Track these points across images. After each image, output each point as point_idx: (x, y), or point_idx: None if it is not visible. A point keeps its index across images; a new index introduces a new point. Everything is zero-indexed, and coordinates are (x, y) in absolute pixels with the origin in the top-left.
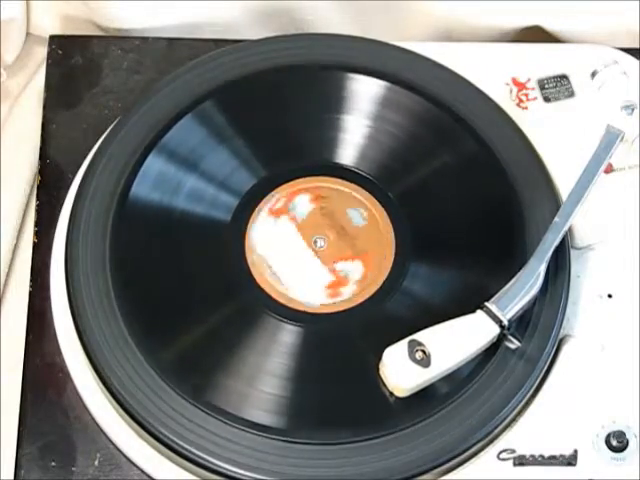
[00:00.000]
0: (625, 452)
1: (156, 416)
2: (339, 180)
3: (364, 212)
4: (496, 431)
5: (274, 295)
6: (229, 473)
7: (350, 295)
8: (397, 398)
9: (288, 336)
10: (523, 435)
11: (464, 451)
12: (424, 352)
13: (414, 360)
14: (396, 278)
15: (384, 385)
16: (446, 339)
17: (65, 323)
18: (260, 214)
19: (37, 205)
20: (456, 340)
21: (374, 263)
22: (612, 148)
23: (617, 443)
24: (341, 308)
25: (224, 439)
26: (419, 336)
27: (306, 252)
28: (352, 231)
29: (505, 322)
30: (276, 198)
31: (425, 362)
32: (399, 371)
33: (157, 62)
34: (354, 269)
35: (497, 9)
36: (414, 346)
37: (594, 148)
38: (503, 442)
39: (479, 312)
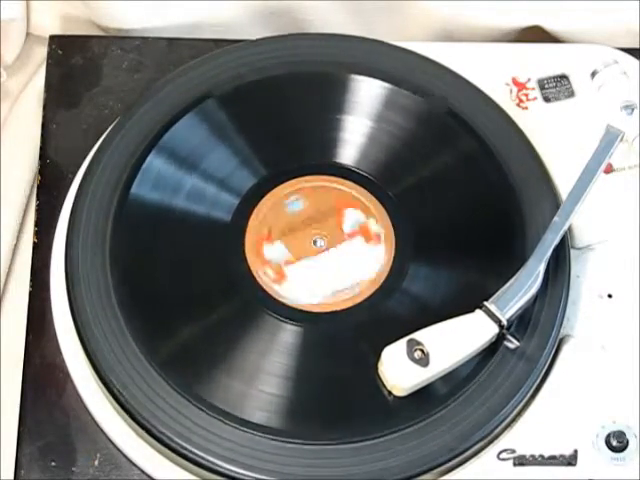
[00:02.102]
0: (625, 452)
1: (156, 416)
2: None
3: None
4: (496, 431)
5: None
6: (229, 473)
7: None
8: (397, 398)
9: (288, 336)
10: (523, 435)
11: (464, 451)
12: (423, 351)
13: (413, 359)
14: (396, 278)
15: (383, 384)
16: (445, 338)
17: (65, 323)
18: None
19: (37, 205)
20: (455, 339)
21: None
22: (612, 148)
23: (617, 443)
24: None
25: (224, 439)
26: (418, 335)
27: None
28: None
29: (504, 322)
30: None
31: (424, 361)
32: (398, 370)
33: (157, 62)
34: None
35: (497, 9)
36: (413, 345)
37: (594, 148)
38: (503, 442)
39: (478, 312)
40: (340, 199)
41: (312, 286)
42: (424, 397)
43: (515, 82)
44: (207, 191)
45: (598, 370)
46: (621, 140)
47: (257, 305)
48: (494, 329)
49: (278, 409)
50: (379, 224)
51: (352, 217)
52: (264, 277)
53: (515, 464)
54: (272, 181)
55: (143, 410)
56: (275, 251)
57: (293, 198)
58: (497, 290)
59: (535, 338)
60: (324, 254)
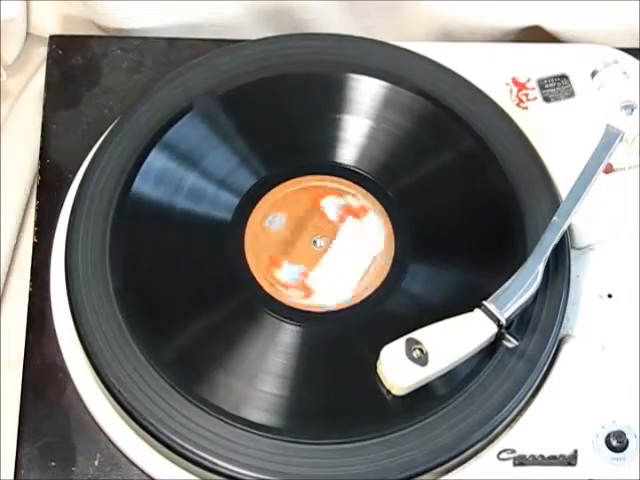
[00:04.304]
0: (625, 452)
1: (156, 416)
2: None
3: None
4: (496, 431)
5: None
6: (229, 473)
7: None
8: (397, 398)
9: (288, 336)
10: (523, 435)
11: (464, 451)
12: (422, 350)
13: (412, 358)
14: (396, 277)
15: (382, 383)
16: (444, 338)
17: (65, 323)
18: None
19: (37, 205)
20: (454, 339)
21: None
22: (612, 148)
23: (617, 443)
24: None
25: (224, 439)
26: (417, 334)
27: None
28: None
29: (503, 321)
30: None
31: (423, 360)
32: (396, 369)
33: (157, 62)
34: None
35: (497, 9)
36: (412, 344)
37: (594, 148)
38: (503, 442)
39: (477, 311)
40: (310, 196)
41: (339, 283)
42: (424, 397)
43: (515, 82)
44: (207, 191)
45: (598, 370)
46: (621, 140)
47: (257, 305)
48: (493, 328)
49: (278, 409)
50: (356, 197)
51: (330, 205)
52: (291, 299)
53: (515, 464)
54: (272, 181)
55: (143, 410)
56: (287, 272)
57: (270, 217)
58: (496, 289)
59: (535, 338)
60: (330, 249)
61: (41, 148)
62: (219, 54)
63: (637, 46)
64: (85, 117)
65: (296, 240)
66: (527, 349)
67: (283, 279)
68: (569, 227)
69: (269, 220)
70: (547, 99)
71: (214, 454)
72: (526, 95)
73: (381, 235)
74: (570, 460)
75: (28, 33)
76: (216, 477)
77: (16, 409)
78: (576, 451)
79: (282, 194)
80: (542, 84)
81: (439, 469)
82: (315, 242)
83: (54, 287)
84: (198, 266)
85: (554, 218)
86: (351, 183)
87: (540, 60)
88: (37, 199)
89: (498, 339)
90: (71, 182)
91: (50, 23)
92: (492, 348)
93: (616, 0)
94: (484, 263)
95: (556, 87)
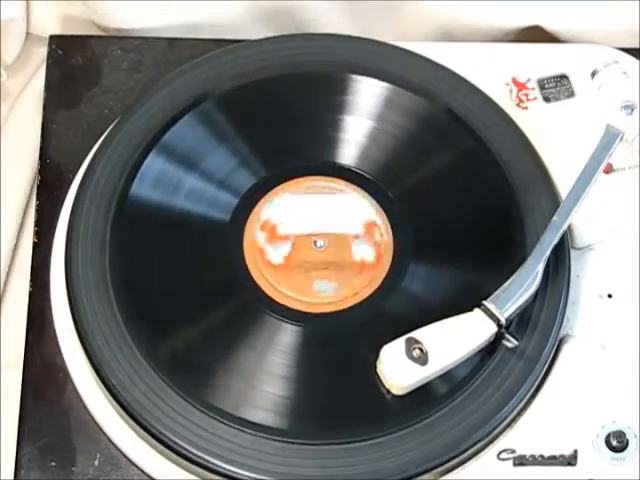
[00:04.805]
0: (625, 452)
1: (156, 416)
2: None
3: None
4: (496, 431)
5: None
6: (229, 473)
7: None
8: (397, 398)
9: (287, 336)
10: (523, 435)
11: (464, 451)
12: (421, 350)
13: (411, 358)
14: (395, 277)
15: (381, 383)
16: (443, 337)
17: (65, 323)
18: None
19: (37, 205)
20: (453, 338)
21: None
22: (611, 148)
23: (617, 443)
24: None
25: (224, 439)
26: (416, 334)
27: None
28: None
29: (503, 321)
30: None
31: (422, 360)
32: (396, 369)
33: (157, 62)
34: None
35: (497, 9)
36: (411, 344)
37: (594, 148)
38: (503, 442)
39: (477, 310)
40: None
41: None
42: (424, 397)
43: (515, 82)
44: (206, 191)
45: (598, 370)
46: (621, 140)
47: (257, 305)
48: (493, 328)
49: (278, 409)
50: (324, 181)
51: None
52: (293, 300)
53: (515, 464)
54: (272, 181)
55: (143, 410)
56: (322, 285)
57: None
58: (496, 289)
59: (535, 338)
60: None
61: (41, 148)
62: (219, 54)
63: (637, 46)
64: (85, 117)
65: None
66: (527, 349)
67: (317, 290)
68: (569, 227)
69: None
70: (547, 99)
71: (214, 454)
72: (526, 95)
73: (366, 206)
74: (570, 460)
75: (28, 33)
76: (216, 477)
77: (16, 409)
78: (576, 451)
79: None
80: (542, 84)
81: (439, 469)
82: (315, 242)
83: (54, 287)
84: (198, 266)
85: (554, 218)
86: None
87: (540, 60)
88: (37, 199)
89: (498, 339)
90: (71, 182)
91: (50, 23)
92: (492, 348)
93: (616, 0)
94: (484, 263)
95: (556, 87)
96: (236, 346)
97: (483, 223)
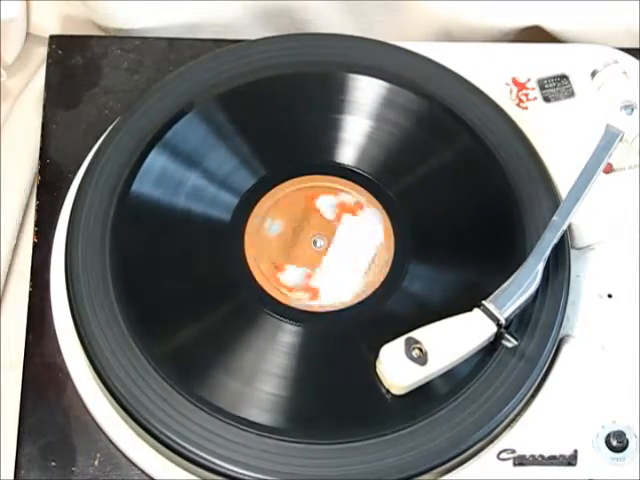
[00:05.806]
0: (625, 452)
1: (156, 416)
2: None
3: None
4: (496, 431)
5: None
6: (229, 473)
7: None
8: (397, 397)
9: (287, 335)
10: (523, 435)
11: (464, 451)
12: (421, 350)
13: (411, 358)
14: (395, 277)
15: (381, 383)
16: (443, 337)
17: (65, 323)
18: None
19: (37, 205)
20: (453, 338)
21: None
22: (612, 148)
23: (617, 443)
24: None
25: (224, 439)
26: (416, 334)
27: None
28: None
29: (502, 320)
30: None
31: (422, 360)
32: (396, 369)
33: (157, 62)
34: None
35: (497, 9)
36: (411, 344)
37: (594, 148)
38: (503, 442)
39: (476, 310)
40: (304, 197)
41: (345, 280)
42: (424, 397)
43: (515, 82)
44: (207, 191)
45: (598, 370)
46: (621, 140)
47: (257, 305)
48: (492, 328)
49: (278, 409)
50: (351, 194)
51: (325, 204)
52: (298, 302)
53: (515, 464)
54: (272, 181)
55: (143, 410)
56: (291, 275)
57: (269, 222)
58: (496, 289)
59: (535, 338)
60: (332, 248)
61: (41, 148)
62: (219, 54)
63: (637, 46)
64: (85, 117)
65: (296, 242)
66: (527, 349)
67: (289, 282)
68: (569, 227)
69: (268, 226)
70: (547, 99)
71: (214, 454)
72: (526, 95)
73: (379, 228)
74: (570, 460)
75: (28, 33)
76: (216, 477)
77: (16, 409)
78: (576, 451)
79: (280, 195)
80: (542, 84)
81: (439, 469)
82: (315, 242)
83: (54, 287)
84: (198, 266)
85: (554, 218)
86: (349, 182)
87: (540, 60)
88: (37, 199)
89: (497, 339)
90: (71, 182)
91: (50, 23)
92: (492, 348)
93: (616, 0)
94: (484, 263)
95: (556, 87)
96: (236, 346)
97: (483, 223)
